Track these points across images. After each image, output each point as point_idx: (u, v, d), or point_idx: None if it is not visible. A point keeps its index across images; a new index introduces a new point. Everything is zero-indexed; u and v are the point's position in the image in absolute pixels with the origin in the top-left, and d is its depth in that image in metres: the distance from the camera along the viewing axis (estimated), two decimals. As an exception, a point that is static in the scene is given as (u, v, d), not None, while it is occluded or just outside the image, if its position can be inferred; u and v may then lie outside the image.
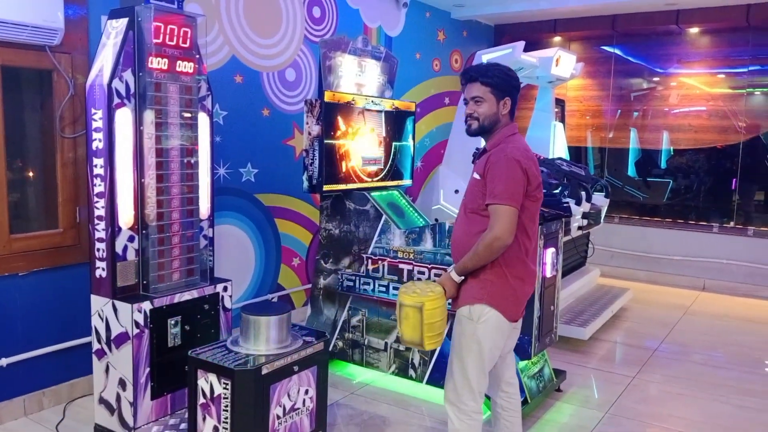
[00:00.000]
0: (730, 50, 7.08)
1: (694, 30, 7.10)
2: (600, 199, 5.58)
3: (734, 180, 7.13)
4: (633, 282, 6.93)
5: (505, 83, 2.53)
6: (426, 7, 6.63)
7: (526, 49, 5.13)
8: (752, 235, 6.84)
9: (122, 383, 3.02)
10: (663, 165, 7.66)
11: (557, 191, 4.83)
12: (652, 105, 7.64)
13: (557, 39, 7.78)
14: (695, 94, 7.34)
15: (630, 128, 7.75)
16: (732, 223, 7.05)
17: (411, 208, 4.38)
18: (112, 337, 3.03)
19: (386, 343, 3.97)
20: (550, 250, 3.62)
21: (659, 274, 7.13)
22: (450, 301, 2.57)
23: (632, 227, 7.41)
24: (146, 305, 3.00)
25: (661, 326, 5.52)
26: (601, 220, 5.77)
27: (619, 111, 7.82)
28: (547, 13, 7.15)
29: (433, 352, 3.76)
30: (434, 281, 2.58)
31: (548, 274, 3.60)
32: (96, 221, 3.03)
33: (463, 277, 2.53)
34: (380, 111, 4.27)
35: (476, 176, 2.53)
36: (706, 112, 7.26)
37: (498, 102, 2.52)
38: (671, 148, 7.55)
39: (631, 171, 7.87)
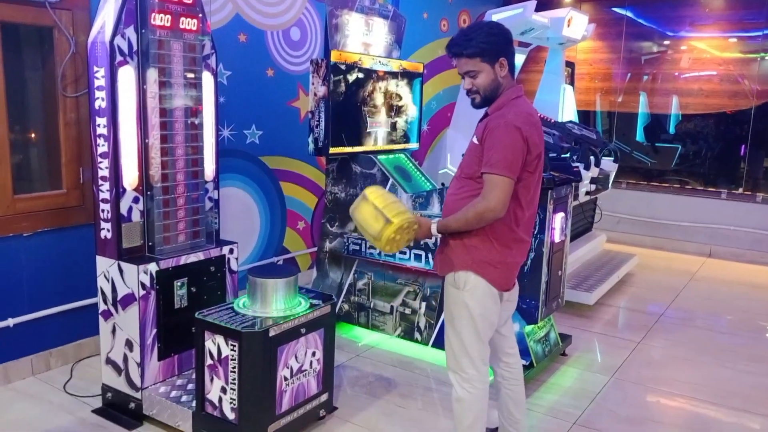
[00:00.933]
0: (744, 13, 6.92)
1: (708, -9, 6.93)
2: (609, 164, 5.52)
3: (743, 146, 7.04)
4: (639, 248, 6.91)
5: (492, 45, 2.33)
6: (434, -35, 6.47)
7: (537, 9, 5.01)
8: (760, 202, 6.79)
9: (129, 344, 3.02)
10: (672, 130, 7.56)
11: (567, 155, 4.76)
12: (662, 69, 7.50)
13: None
14: (706, 58, 7.19)
15: (640, 92, 7.63)
16: (740, 190, 6.98)
17: (418, 172, 4.33)
18: (118, 299, 3.02)
19: (392, 306, 3.97)
20: (560, 215, 3.58)
21: (666, 239, 7.10)
22: (434, 265, 2.50)
23: (640, 193, 7.36)
24: (152, 267, 2.98)
25: (667, 292, 5.51)
26: (609, 186, 5.71)
27: (629, 74, 7.69)
28: (559, -28, 6.97)
29: (439, 314, 3.76)
30: (413, 215, 2.44)
31: (557, 239, 3.57)
32: (100, 182, 2.99)
33: (439, 234, 2.43)
34: (387, 72, 4.19)
35: (475, 140, 2.38)
36: (716, 76, 7.13)
37: (493, 67, 2.34)
38: (680, 113, 7.44)
39: (640, 136, 7.78)
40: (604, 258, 5.77)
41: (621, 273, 5.48)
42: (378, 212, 2.36)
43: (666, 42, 7.47)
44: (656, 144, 7.72)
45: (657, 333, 4.52)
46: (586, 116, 7.74)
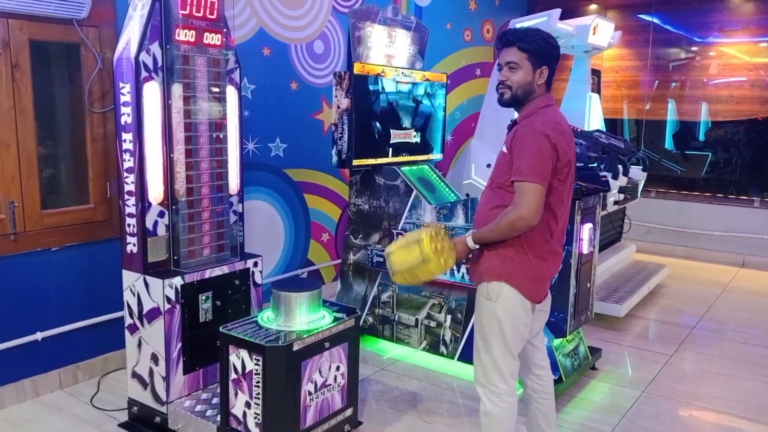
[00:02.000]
0: (775, 17, 6.77)
1: (737, -4, 6.79)
2: (637, 173, 5.42)
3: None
4: (670, 258, 6.76)
5: (544, 50, 2.36)
6: (457, -25, 6.46)
7: (562, 18, 4.95)
8: (795, 210, 6.61)
9: (155, 358, 3.03)
10: (702, 137, 7.42)
11: (594, 164, 4.69)
12: (691, 75, 7.37)
13: (593, 7, 7.52)
14: (736, 63, 7.05)
15: (668, 99, 7.50)
16: (774, 198, 6.81)
17: (442, 183, 4.29)
18: (144, 312, 3.03)
19: (417, 320, 3.92)
20: (587, 226, 3.51)
21: (697, 249, 6.94)
22: (468, 273, 2.46)
23: (669, 202, 7.21)
24: (177, 281, 2.99)
25: (699, 303, 5.37)
26: (638, 195, 5.61)
27: (657, 81, 7.57)
28: (583, -21, 6.90)
29: (464, 327, 3.71)
30: (450, 238, 2.44)
31: (585, 251, 3.50)
32: (126, 196, 3.01)
33: (477, 246, 2.40)
34: (411, 82, 4.17)
35: (504, 149, 2.39)
36: (747, 82, 6.98)
37: (534, 70, 2.36)
38: (710, 120, 7.30)
39: (669, 144, 7.64)
40: (633, 269, 5.65)
41: (651, 284, 5.36)
42: (405, 249, 2.38)
43: (694, 48, 7.34)
44: (686, 152, 7.57)
45: (689, 346, 4.40)
46: (613, 124, 7.63)
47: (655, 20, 7.37)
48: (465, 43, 6.67)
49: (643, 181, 5.57)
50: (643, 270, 5.63)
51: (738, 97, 7.06)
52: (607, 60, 7.62)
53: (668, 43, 7.46)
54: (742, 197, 6.99)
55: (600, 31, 5.40)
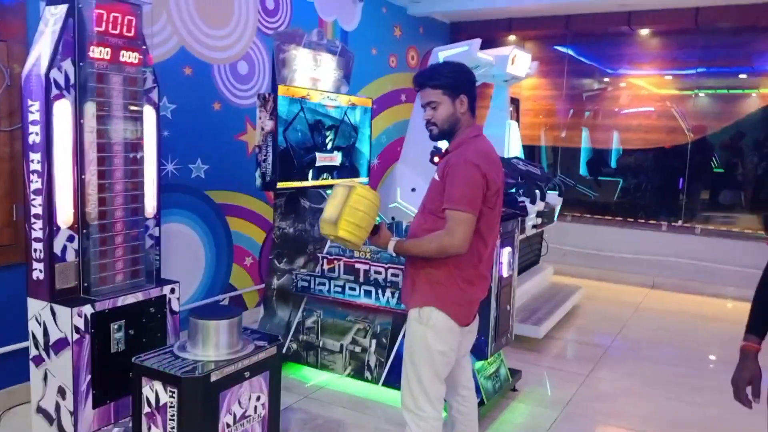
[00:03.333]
0: (678, 52, 7.25)
1: (645, 31, 7.23)
2: (554, 198, 5.62)
3: (681, 179, 7.30)
4: (585, 279, 7.02)
5: (455, 81, 2.45)
6: (382, 2, 6.56)
7: (482, 47, 5.11)
8: (699, 233, 7.02)
9: (62, 391, 2.85)
10: (613, 164, 7.80)
11: (513, 190, 4.83)
12: (603, 105, 7.76)
13: (512, 38, 7.81)
14: (645, 94, 7.49)
15: (582, 127, 7.86)
16: (680, 222, 7.21)
17: (367, 207, 4.29)
18: (50, 343, 2.86)
19: (342, 345, 3.88)
20: (507, 250, 3.60)
21: (610, 271, 7.25)
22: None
23: (584, 225, 7.52)
24: (87, 309, 2.83)
25: (613, 323, 5.59)
26: (555, 219, 5.81)
27: (572, 110, 7.92)
28: (503, 11, 7.17)
29: (389, 352, 3.70)
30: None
31: (504, 274, 3.58)
32: (33, 220, 2.84)
33: (393, 253, 2.45)
34: (336, 106, 4.17)
35: (436, 177, 2.45)
36: (654, 112, 7.41)
37: (453, 102, 2.44)
38: (621, 148, 7.69)
39: (583, 170, 7.99)
40: (551, 291, 5.83)
41: (568, 305, 5.54)
42: (342, 206, 2.42)
43: (606, 79, 7.74)
44: (599, 178, 7.94)
45: (605, 365, 4.56)
46: (531, 151, 7.91)
47: (570, 52, 7.73)
48: (390, 69, 6.77)
49: (559, 206, 5.78)
50: (560, 292, 5.82)
51: (646, 127, 7.48)
52: (526, 89, 7.91)
53: (582, 74, 7.84)
54: (651, 221, 7.37)
55: (518, 62, 5.61)
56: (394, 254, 2.48)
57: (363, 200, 2.40)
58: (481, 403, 3.47)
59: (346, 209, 2.39)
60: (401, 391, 2.55)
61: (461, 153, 2.38)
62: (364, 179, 4.55)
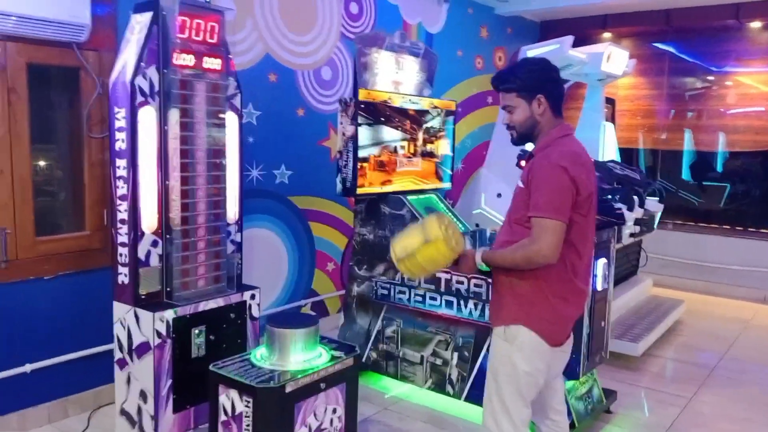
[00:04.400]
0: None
1: (755, 24, 6.65)
2: (653, 205, 5.24)
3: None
4: (687, 292, 6.52)
5: (530, 81, 2.26)
6: (468, 2, 6.38)
7: (575, 45, 4.84)
8: (818, 244, 6.37)
9: (143, 395, 2.89)
10: (719, 168, 7.24)
11: (608, 196, 4.53)
12: (708, 105, 7.21)
13: (607, 35, 7.41)
14: (754, 93, 6.89)
15: (684, 129, 7.34)
16: (796, 231, 6.58)
17: (450, 213, 4.14)
18: (133, 347, 2.90)
19: (422, 356, 3.75)
20: (602, 261, 3.34)
21: (716, 284, 6.69)
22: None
23: (687, 234, 6.99)
24: (169, 314, 2.86)
25: (719, 341, 5.14)
26: (655, 227, 5.42)
27: (673, 111, 7.41)
28: (597, 7, 6.80)
29: (472, 366, 3.52)
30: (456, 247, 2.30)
31: (599, 288, 3.33)
32: (119, 225, 2.90)
33: (482, 264, 2.27)
34: (418, 110, 4.05)
35: (520, 184, 2.27)
36: (765, 112, 6.80)
37: (530, 104, 2.27)
38: (727, 151, 7.12)
39: (686, 174, 7.46)
40: (650, 304, 5.44)
41: (669, 321, 5.14)
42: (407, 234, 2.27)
43: (710, 77, 7.20)
44: (703, 183, 7.39)
45: (709, 388, 4.18)
46: (628, 154, 7.47)
47: (671, 49, 7.25)
48: (476, 71, 6.58)
49: (659, 213, 5.38)
50: (660, 306, 5.41)
51: (757, 128, 6.88)
52: (622, 89, 7.49)
53: (684, 72, 7.32)
54: (762, 230, 6.76)
55: (614, 59, 5.28)
56: (482, 265, 2.29)
57: (431, 262, 2.22)
58: (572, 426, 3.23)
59: (411, 259, 2.22)
60: (483, 410, 2.39)
61: (546, 155, 2.19)
62: (446, 185, 4.40)
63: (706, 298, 6.53)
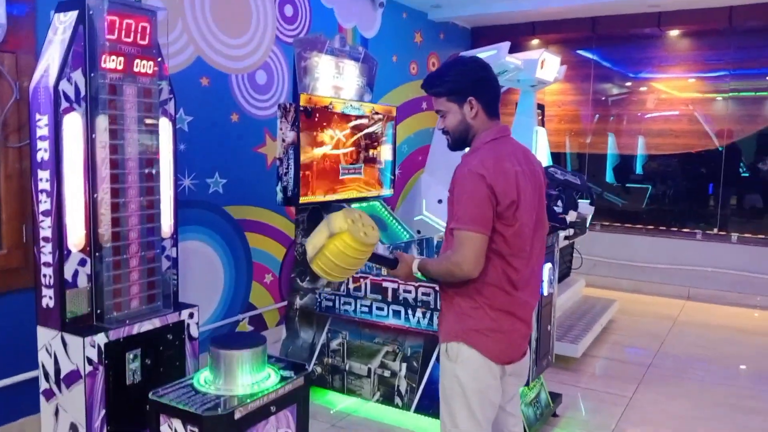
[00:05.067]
0: (710, 54, 6.96)
1: (674, 33, 6.97)
2: (585, 207, 5.36)
3: (712, 185, 7.01)
4: (618, 291, 6.73)
5: (460, 83, 2.13)
6: (403, 7, 6.36)
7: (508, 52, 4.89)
8: (735, 242, 6.71)
9: (74, 428, 2.64)
10: (640, 170, 7.53)
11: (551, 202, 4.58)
12: (628, 110, 7.50)
13: (535, 42, 7.58)
14: (672, 98, 7.21)
15: (608, 133, 7.60)
16: (715, 230, 6.91)
17: (394, 221, 4.08)
18: (61, 376, 2.66)
19: (369, 369, 3.65)
20: (547, 266, 3.35)
21: (644, 282, 6.95)
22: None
23: (614, 235, 7.23)
24: (100, 338, 2.63)
25: (652, 339, 5.31)
26: (587, 229, 5.55)
27: (597, 116, 7.66)
28: (526, 14, 6.94)
29: (421, 377, 3.46)
30: (393, 252, 2.22)
31: (545, 292, 3.33)
32: (42, 243, 2.65)
33: (418, 273, 2.15)
34: (359, 116, 3.96)
35: (447, 192, 2.14)
36: (682, 116, 7.13)
37: (460, 107, 2.14)
38: (647, 153, 7.42)
39: (610, 177, 7.72)
40: (585, 305, 5.56)
41: (603, 321, 5.27)
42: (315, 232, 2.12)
43: (632, 83, 7.48)
44: (627, 185, 7.66)
45: (648, 385, 4.29)
46: (556, 158, 7.64)
47: (595, 56, 7.48)
48: (411, 76, 6.56)
49: (590, 215, 5.52)
50: (594, 306, 5.54)
51: (676, 131, 7.20)
52: (549, 94, 7.67)
53: (607, 79, 7.59)
54: (684, 230, 7.07)
55: (547, 66, 5.38)
56: (417, 274, 2.16)
57: (340, 256, 2.04)
58: (523, 433, 3.21)
59: (322, 257, 2.07)
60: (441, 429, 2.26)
61: (466, 162, 2.06)
62: (389, 191, 4.33)
63: (636, 296, 6.76)
